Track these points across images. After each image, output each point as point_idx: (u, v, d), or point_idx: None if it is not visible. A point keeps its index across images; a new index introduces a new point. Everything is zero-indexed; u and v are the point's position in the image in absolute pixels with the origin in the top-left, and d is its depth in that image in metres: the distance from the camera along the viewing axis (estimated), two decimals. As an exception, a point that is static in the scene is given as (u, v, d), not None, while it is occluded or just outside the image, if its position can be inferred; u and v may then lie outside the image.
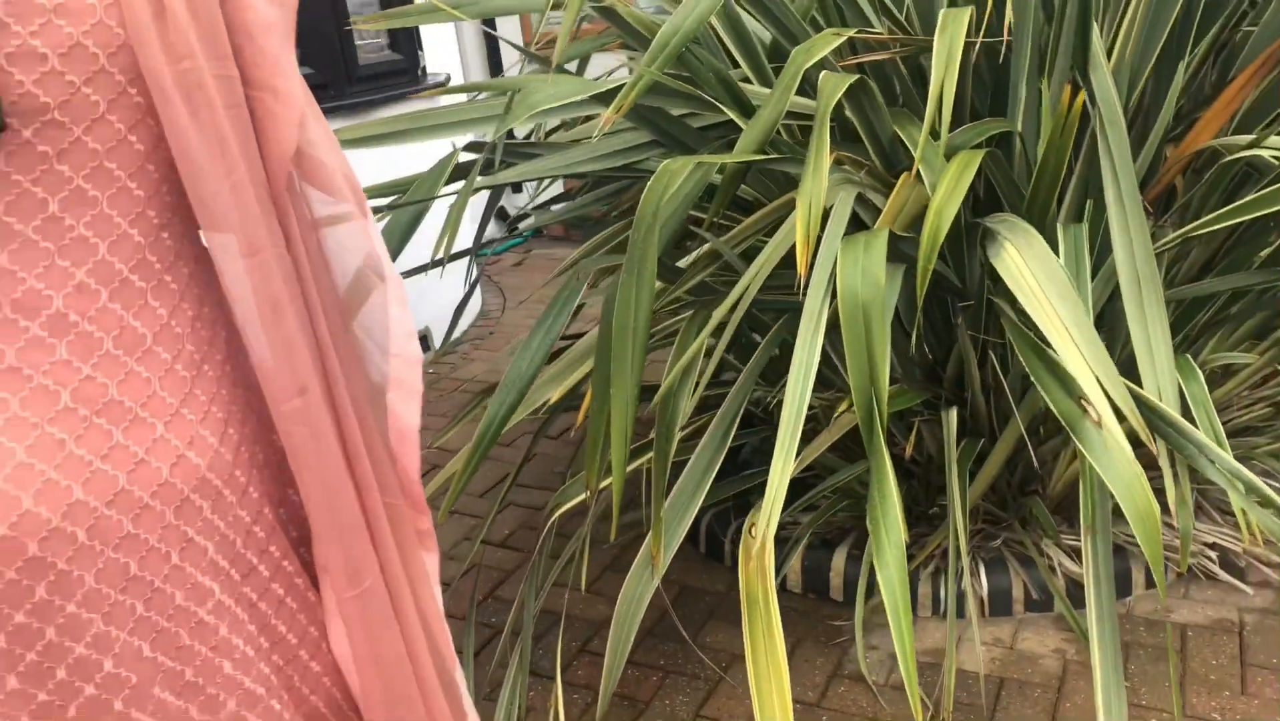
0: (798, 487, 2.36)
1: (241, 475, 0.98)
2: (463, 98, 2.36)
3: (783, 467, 1.44)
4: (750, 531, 1.74)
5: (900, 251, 1.70)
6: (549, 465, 3.05)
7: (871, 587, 2.14)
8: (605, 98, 1.79)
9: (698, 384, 1.75)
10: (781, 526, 2.32)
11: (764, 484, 2.40)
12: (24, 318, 0.85)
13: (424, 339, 3.85)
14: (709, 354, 1.81)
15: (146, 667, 0.91)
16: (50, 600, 0.86)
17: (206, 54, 0.88)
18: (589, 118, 2.41)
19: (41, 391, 0.85)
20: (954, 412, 1.93)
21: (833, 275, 1.55)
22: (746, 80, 2.06)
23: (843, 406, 1.76)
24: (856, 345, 1.53)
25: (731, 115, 1.80)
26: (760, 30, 2.14)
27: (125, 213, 0.89)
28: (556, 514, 1.95)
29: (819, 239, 1.56)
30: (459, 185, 1.95)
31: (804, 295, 1.53)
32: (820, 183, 1.53)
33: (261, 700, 0.98)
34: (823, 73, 1.71)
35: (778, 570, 2.35)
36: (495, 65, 5.48)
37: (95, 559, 0.87)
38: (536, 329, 1.78)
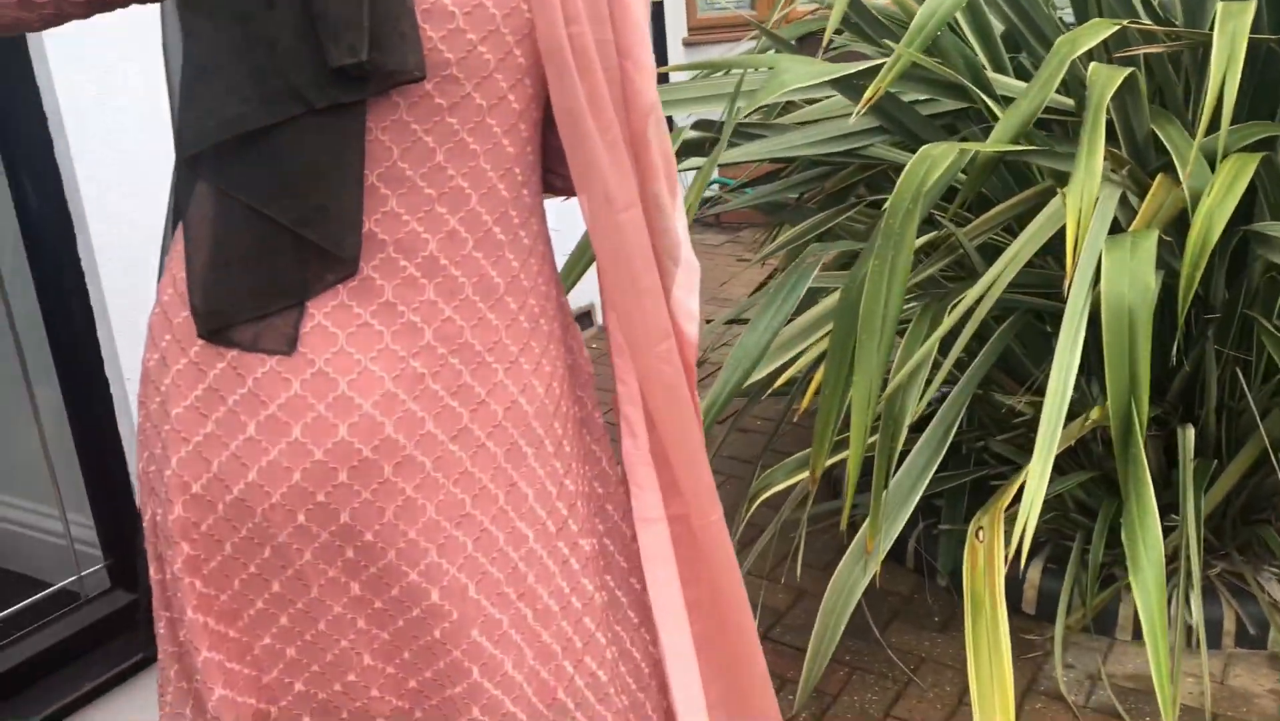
0: (982, 494, 2.29)
1: (559, 427, 1.01)
2: (683, 76, 2.34)
3: (1041, 472, 1.38)
4: (978, 536, 1.69)
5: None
6: (737, 450, 3.02)
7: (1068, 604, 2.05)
8: (856, 79, 1.75)
9: (928, 381, 1.70)
10: (945, 528, 2.26)
11: (953, 488, 2.36)
12: (404, 258, 0.89)
13: (589, 315, 3.87)
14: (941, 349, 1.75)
15: (470, 608, 0.93)
16: (395, 524, 0.90)
17: (590, 19, 0.92)
18: (801, 102, 2.37)
19: (410, 327, 0.90)
20: (1190, 430, 1.83)
21: (1095, 276, 1.48)
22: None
23: (1094, 414, 1.68)
24: (1118, 351, 1.46)
25: (989, 104, 1.73)
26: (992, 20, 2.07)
27: (496, 167, 0.93)
28: (760, 498, 1.93)
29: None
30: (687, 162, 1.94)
31: (1067, 294, 1.47)
32: (1094, 179, 1.46)
33: (555, 658, 0.99)
34: (1092, 64, 1.63)
35: (931, 567, 2.29)
36: (659, 46, 5.47)
37: (437, 490, 0.92)
38: (764, 310, 1.76)
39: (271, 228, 0.84)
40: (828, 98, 2.10)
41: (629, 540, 1.12)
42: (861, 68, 1.72)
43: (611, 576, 1.07)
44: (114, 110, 1.69)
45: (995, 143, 1.63)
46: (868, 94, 1.59)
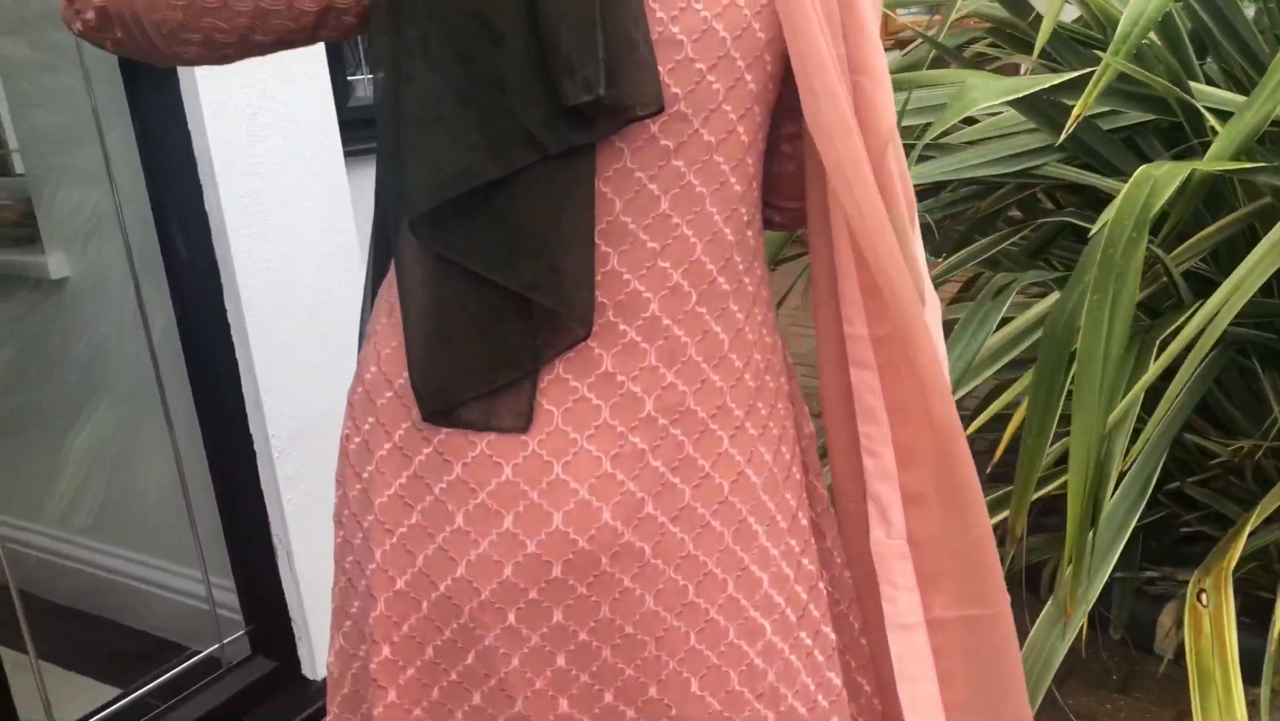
0: (1158, 537, 2.11)
1: (791, 497, 0.91)
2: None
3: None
4: (1200, 599, 1.52)
5: None
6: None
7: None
8: (1051, 94, 1.60)
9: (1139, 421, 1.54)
10: (1118, 576, 2.08)
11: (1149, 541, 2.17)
12: (624, 321, 0.81)
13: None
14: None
15: (694, 707, 0.84)
16: (612, 619, 0.82)
17: (829, 32, 0.82)
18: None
19: (629, 398, 0.81)
20: None
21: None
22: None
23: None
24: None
25: (1199, 118, 1.57)
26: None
27: (722, 210, 0.83)
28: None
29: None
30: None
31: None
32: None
33: None
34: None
35: (1104, 618, 2.11)
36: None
37: (657, 578, 0.82)
38: (954, 341, 1.62)
39: (497, 293, 0.76)
40: (995, 114, 1.95)
41: (857, 635, 1.01)
42: (1056, 81, 1.58)
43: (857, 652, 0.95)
44: (262, 154, 1.62)
45: (1216, 160, 1.47)
46: (1077, 109, 1.44)
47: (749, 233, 0.87)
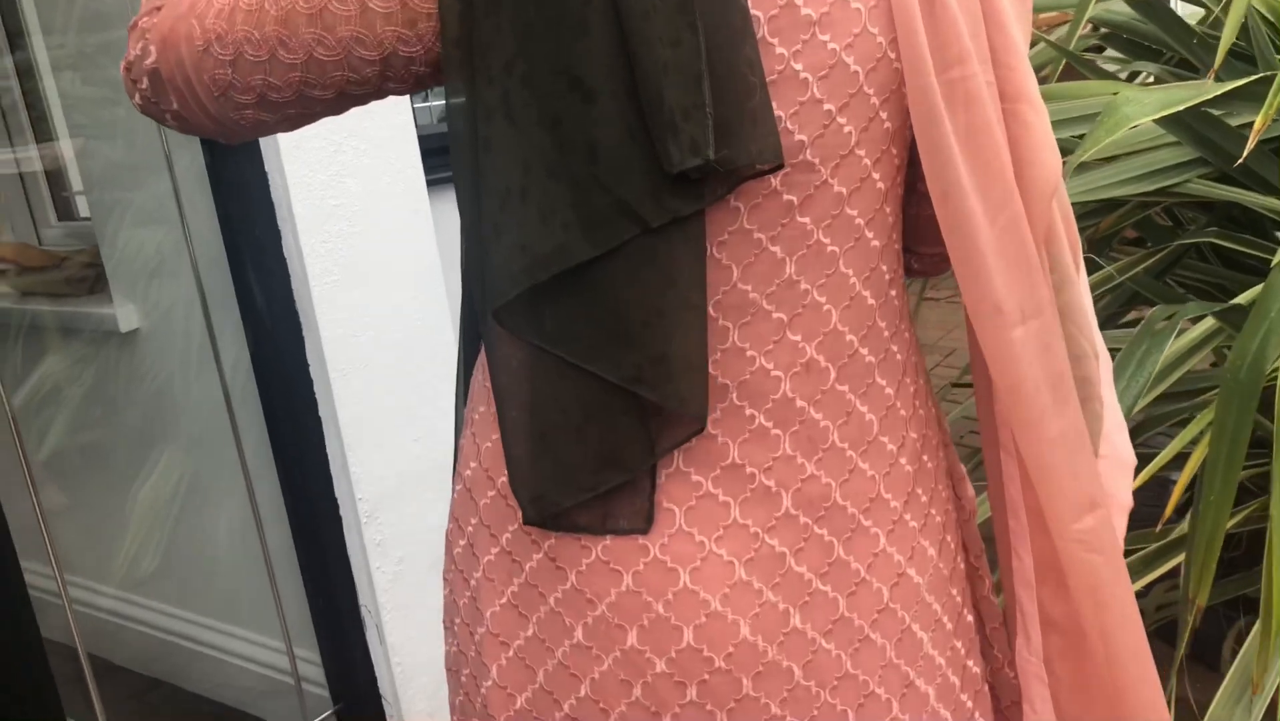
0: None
1: (957, 593, 0.82)
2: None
3: None
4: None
5: None
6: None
7: None
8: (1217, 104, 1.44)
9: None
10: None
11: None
12: (750, 404, 0.72)
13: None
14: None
15: None
16: None
17: (977, 55, 0.70)
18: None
19: (762, 494, 0.73)
20: None
21: None
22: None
23: None
24: None
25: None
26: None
27: (860, 270, 0.74)
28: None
29: None
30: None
31: None
32: None
33: None
34: None
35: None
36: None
37: (810, 702, 0.74)
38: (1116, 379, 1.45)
39: (599, 386, 0.68)
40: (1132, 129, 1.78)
41: None
42: (1222, 90, 1.41)
43: None
44: (343, 196, 1.50)
45: None
46: (1258, 122, 1.27)
47: (892, 292, 0.76)
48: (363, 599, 1.59)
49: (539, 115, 0.64)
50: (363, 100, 0.71)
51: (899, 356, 0.77)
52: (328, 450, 1.55)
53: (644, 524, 0.71)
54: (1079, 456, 0.76)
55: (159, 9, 0.68)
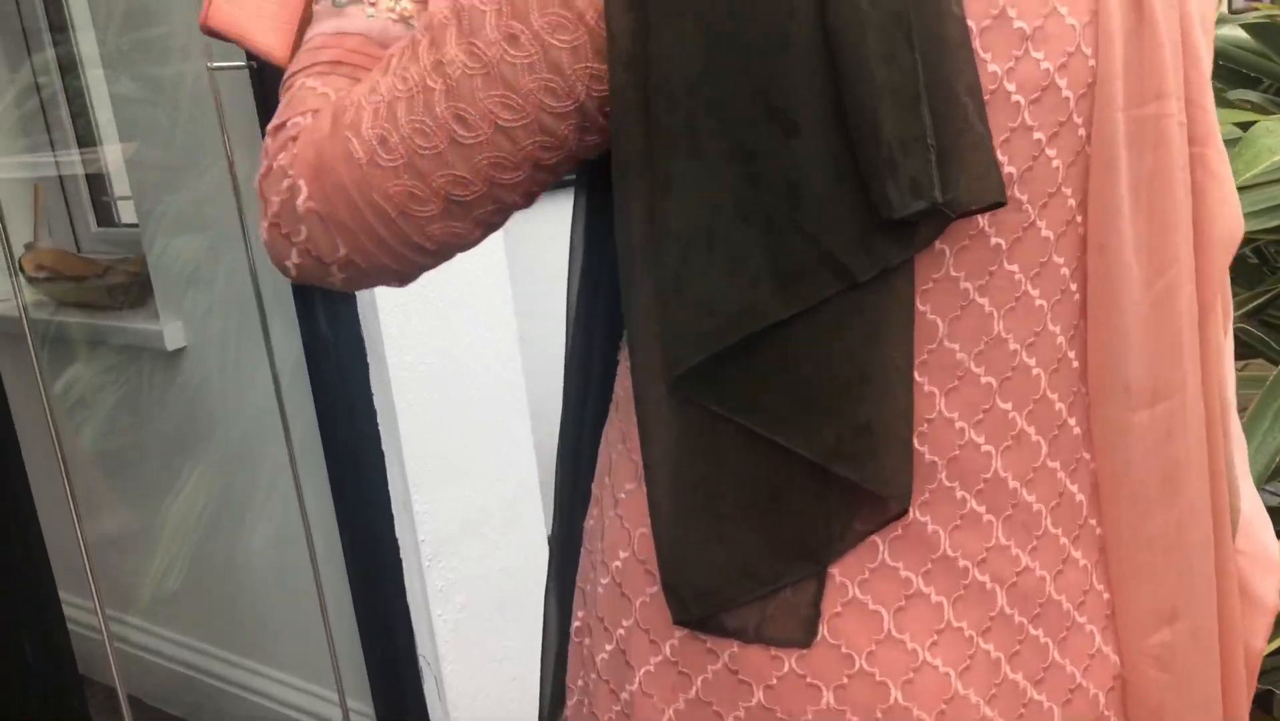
0: None
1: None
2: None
3: None
4: None
5: None
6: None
7: None
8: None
9: None
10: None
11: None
12: (960, 485, 0.64)
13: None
14: None
15: None
16: None
17: (1175, 92, 0.63)
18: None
19: (976, 591, 0.65)
20: None
21: None
22: None
23: None
24: None
25: None
26: None
27: (1066, 327, 0.66)
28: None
29: None
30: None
31: None
32: None
33: None
34: None
35: None
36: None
37: None
38: (1250, 433, 1.34)
39: (785, 461, 0.60)
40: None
41: None
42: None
43: None
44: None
45: None
46: None
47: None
48: (421, 648, 1.51)
49: (731, 149, 0.55)
50: (554, 173, 0.62)
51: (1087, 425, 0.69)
52: (390, 488, 1.46)
53: (803, 635, 0.62)
54: (1172, 558, 0.68)
55: (294, 139, 0.61)
